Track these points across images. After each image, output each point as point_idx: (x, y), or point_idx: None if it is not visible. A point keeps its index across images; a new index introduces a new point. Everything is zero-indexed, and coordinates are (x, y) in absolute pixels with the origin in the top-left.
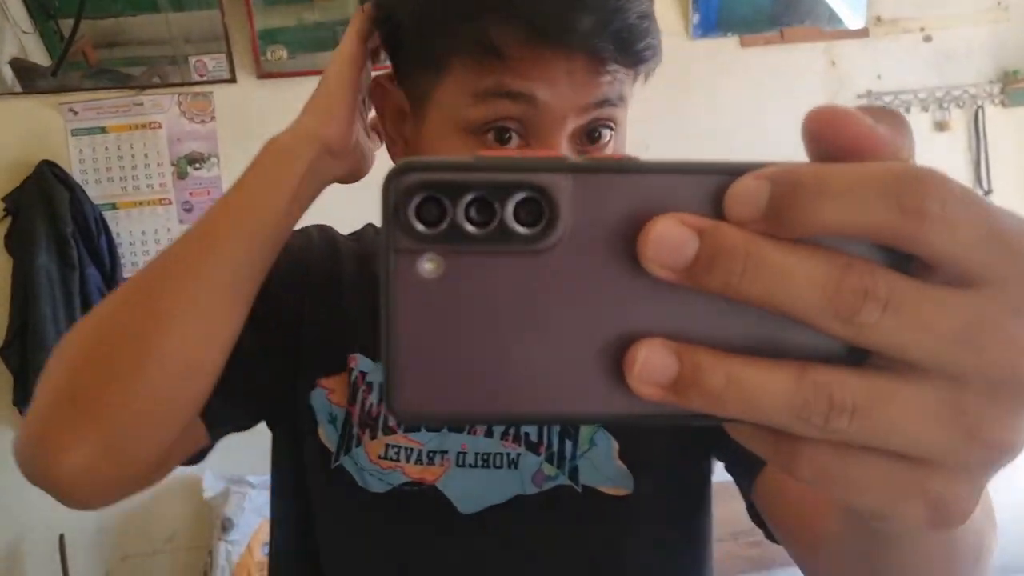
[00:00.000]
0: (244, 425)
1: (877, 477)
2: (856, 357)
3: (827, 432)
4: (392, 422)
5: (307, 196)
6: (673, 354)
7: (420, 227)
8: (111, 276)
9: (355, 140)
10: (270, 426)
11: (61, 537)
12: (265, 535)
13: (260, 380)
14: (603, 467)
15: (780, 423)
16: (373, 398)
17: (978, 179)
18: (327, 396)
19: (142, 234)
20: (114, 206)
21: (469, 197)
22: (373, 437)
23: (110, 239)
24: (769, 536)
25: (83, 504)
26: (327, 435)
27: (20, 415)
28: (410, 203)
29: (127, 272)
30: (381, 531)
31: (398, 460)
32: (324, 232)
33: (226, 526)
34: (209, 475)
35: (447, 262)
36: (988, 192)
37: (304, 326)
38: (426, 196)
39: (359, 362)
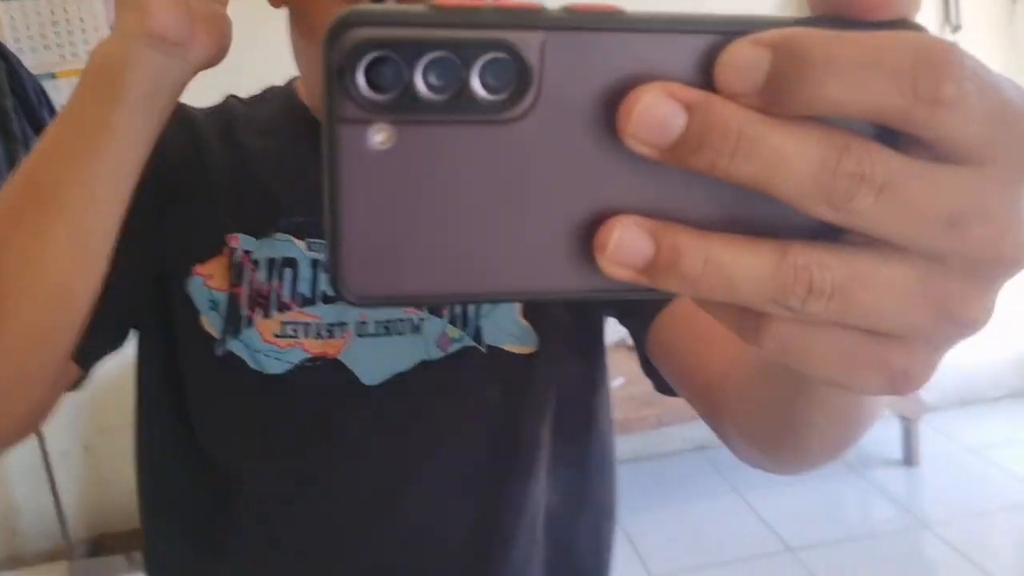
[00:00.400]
0: (119, 346)
1: (841, 351)
2: (836, 232)
3: (802, 314)
4: (286, 298)
5: (158, 108)
6: (649, 235)
7: (369, 93)
8: None
9: (194, 11)
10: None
11: None
12: None
13: (130, 302)
14: (507, 326)
15: (755, 305)
16: (262, 276)
17: (947, 16)
18: (204, 282)
19: None
20: (53, 75)
21: (427, 58)
22: (266, 316)
23: (52, 110)
24: (661, 388)
25: None
26: (210, 322)
27: None
28: (357, 65)
29: None
30: (280, 413)
31: (296, 336)
32: (177, 113)
33: None
34: None
35: (400, 132)
36: (957, 28)
37: (168, 219)
38: (376, 57)
39: (240, 241)
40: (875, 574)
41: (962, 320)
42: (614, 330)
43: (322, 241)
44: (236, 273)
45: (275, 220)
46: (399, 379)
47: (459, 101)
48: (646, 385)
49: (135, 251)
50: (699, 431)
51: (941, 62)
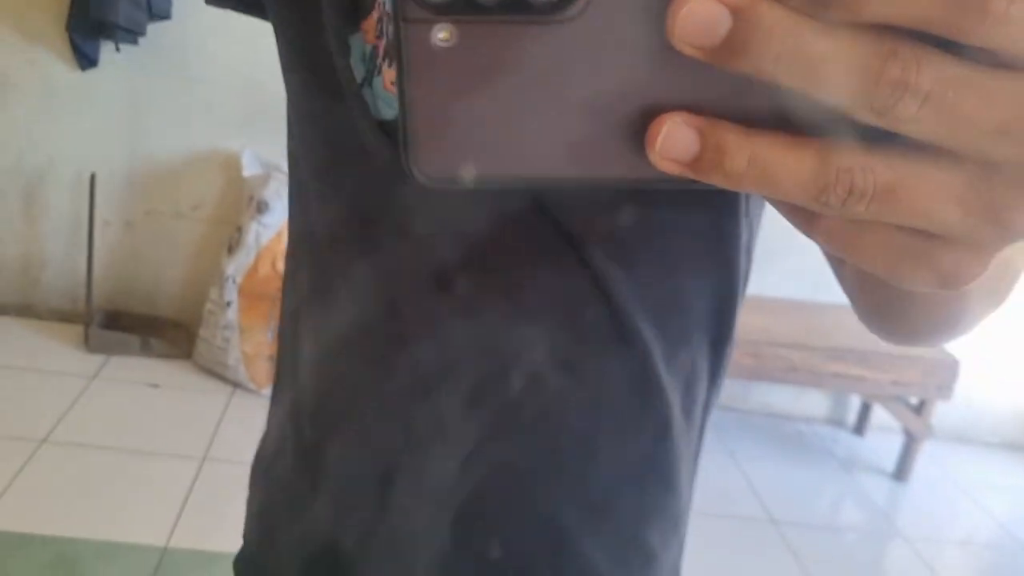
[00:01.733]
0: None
1: (891, 248)
2: (886, 136)
3: (844, 213)
4: None
5: None
6: (696, 132)
7: None
8: None
9: None
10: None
11: (92, 176)
12: None
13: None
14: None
15: (798, 202)
16: (390, 29)
17: None
18: (364, 37)
19: None
20: None
21: None
22: (389, 67)
23: None
24: None
25: None
26: (359, 70)
27: (71, 42)
28: None
29: None
30: (393, 181)
31: None
32: None
33: (261, 208)
34: (248, 154)
35: (461, 31)
36: None
37: None
38: None
39: None
40: (849, 566)
41: (1010, 224)
42: None
43: None
44: (380, 29)
45: None
46: None
47: (515, 3)
48: None
49: None
50: None
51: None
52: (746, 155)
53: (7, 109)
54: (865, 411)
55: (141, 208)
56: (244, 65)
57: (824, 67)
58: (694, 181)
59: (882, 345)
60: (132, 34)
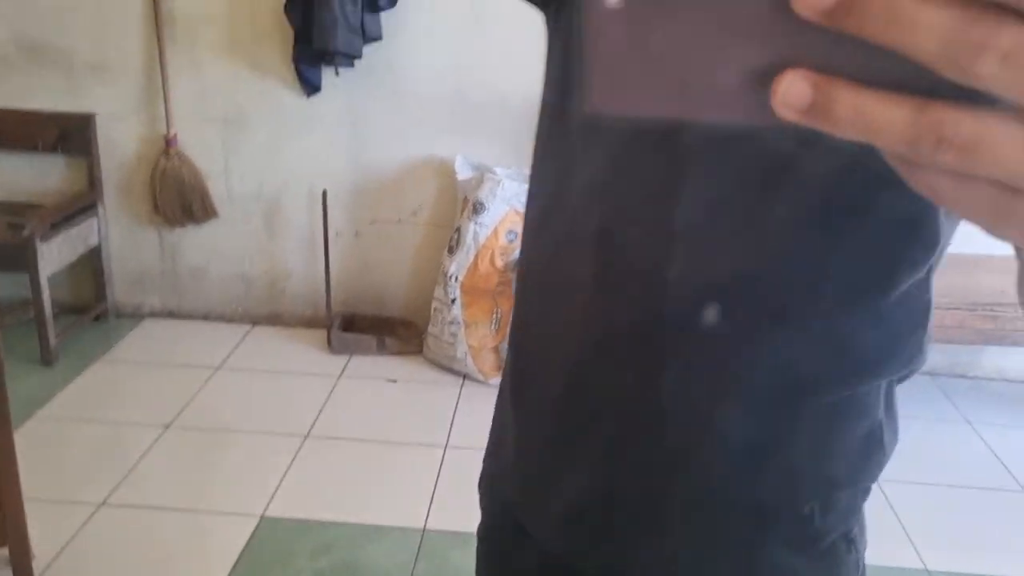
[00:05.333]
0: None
1: (982, 200)
2: (977, 96)
3: (934, 162)
4: None
5: None
6: (811, 85)
7: None
8: None
9: None
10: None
11: (324, 192)
12: (511, 223)
13: None
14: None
15: (897, 149)
16: None
17: None
18: None
19: None
20: None
21: None
22: None
23: None
24: None
25: None
26: None
27: (297, 72)
28: None
29: None
30: (596, 154)
31: None
32: None
33: (477, 208)
34: (460, 159)
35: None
36: None
37: None
38: None
39: None
40: None
41: None
42: None
43: None
44: None
45: None
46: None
47: None
48: None
49: None
50: (932, 356)
51: None
52: (851, 104)
53: (247, 140)
54: None
55: (367, 217)
56: (450, 77)
57: (916, 28)
58: (808, 129)
59: None
60: (349, 58)
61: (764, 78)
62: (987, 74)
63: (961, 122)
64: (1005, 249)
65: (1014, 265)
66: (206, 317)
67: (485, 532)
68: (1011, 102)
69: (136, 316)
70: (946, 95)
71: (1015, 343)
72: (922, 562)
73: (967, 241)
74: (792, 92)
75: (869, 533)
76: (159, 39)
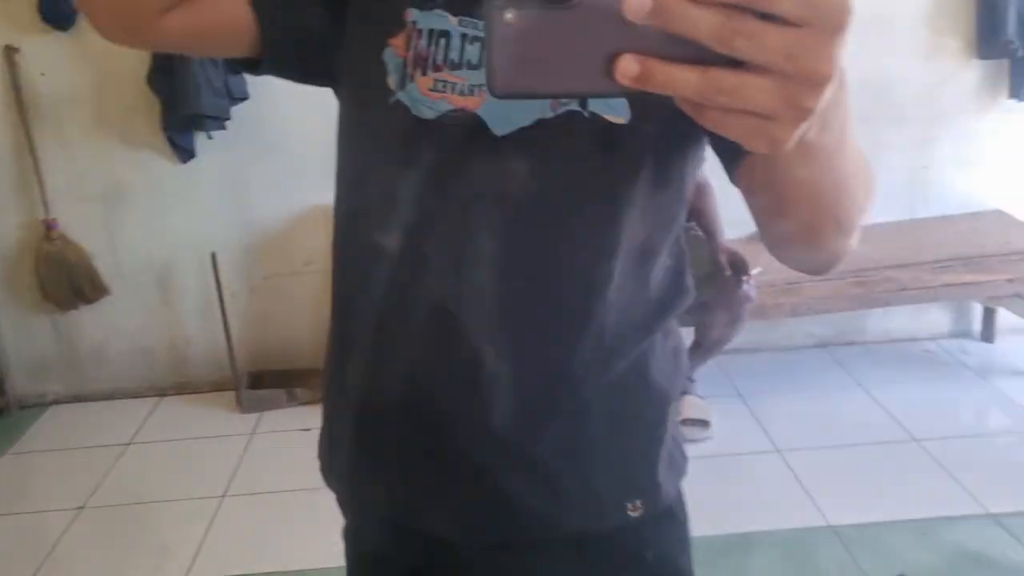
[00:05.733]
0: (289, 69)
1: (741, 125)
2: (736, 62)
3: (713, 103)
4: (439, 61)
5: None
6: (638, 63)
7: None
8: None
9: None
10: (337, 91)
11: (213, 255)
12: None
13: (316, 23)
14: (608, 100)
15: (689, 98)
16: (423, 42)
17: None
18: (396, 52)
19: None
20: None
21: None
22: (424, 74)
23: None
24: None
25: (119, 41)
26: (393, 81)
27: (169, 141)
28: None
29: None
30: (426, 149)
31: (445, 92)
32: None
33: None
34: None
35: (518, 13)
36: None
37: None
38: None
39: (412, 14)
40: (1003, 469)
41: (802, 109)
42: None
43: (471, 18)
44: (407, 41)
45: None
46: (521, 131)
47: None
48: (786, 275)
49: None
50: (824, 328)
51: None
52: (662, 72)
53: (129, 213)
54: (990, 316)
55: (260, 274)
56: (320, 127)
57: (698, 23)
58: (641, 92)
59: (989, 247)
60: (219, 120)
61: (611, 62)
62: (739, 48)
63: (727, 77)
64: (866, 222)
65: (873, 233)
66: (112, 396)
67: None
68: (756, 63)
69: (40, 405)
70: (719, 62)
71: (887, 304)
72: (825, 519)
73: None
74: (628, 68)
75: (774, 502)
76: (25, 125)
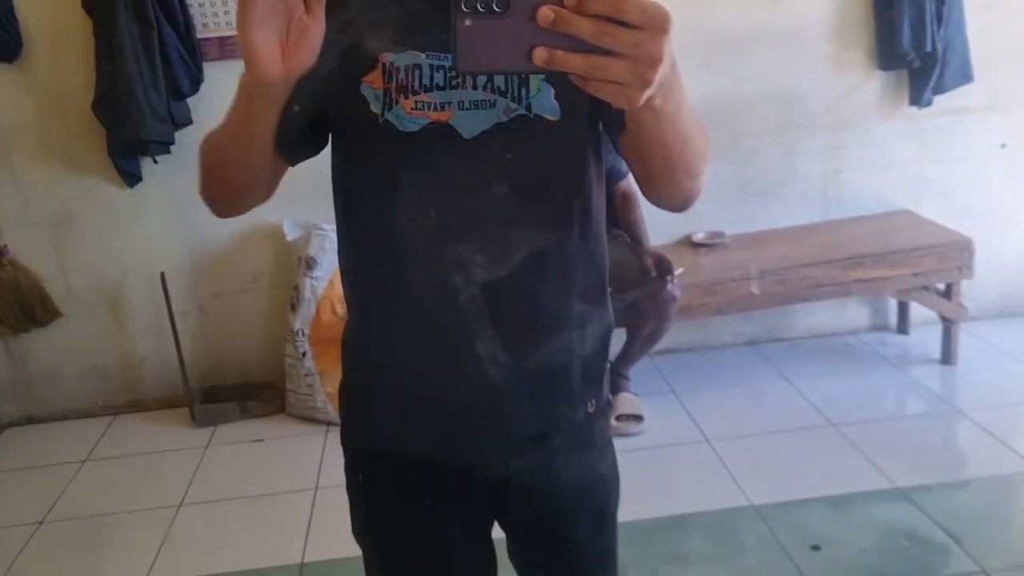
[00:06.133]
0: (316, 143)
1: (610, 89)
2: (605, 51)
3: (593, 76)
4: (416, 87)
5: (277, 105)
6: (546, 51)
7: (466, 9)
8: (186, 35)
9: (291, 37)
10: (334, 136)
11: (162, 275)
12: None
13: (316, 105)
14: (546, 103)
15: (580, 73)
16: (403, 75)
17: None
18: (371, 86)
19: None
20: None
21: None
22: (406, 98)
23: (183, 1)
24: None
25: (225, 216)
26: (374, 106)
27: (115, 166)
28: (461, 4)
29: (199, 32)
30: (412, 155)
31: (423, 110)
32: None
33: (310, 264)
34: (288, 222)
35: (473, 19)
36: None
37: (342, 47)
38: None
39: (388, 58)
40: (913, 448)
41: (646, 79)
42: (678, 226)
43: (435, 52)
44: (388, 76)
45: (405, 41)
46: (483, 133)
47: (490, 10)
48: (709, 276)
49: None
50: (751, 327)
51: (611, 6)
52: (562, 58)
53: (79, 238)
54: (904, 310)
55: (209, 292)
56: None
57: (581, 27)
58: (553, 71)
59: (896, 243)
60: (163, 144)
61: (531, 51)
62: (606, 42)
63: (600, 60)
64: (783, 224)
65: (791, 234)
66: (67, 416)
67: (356, 468)
68: (617, 51)
69: None
70: (595, 51)
71: (804, 299)
72: (748, 500)
73: (752, 221)
74: (540, 55)
75: (702, 490)
76: None
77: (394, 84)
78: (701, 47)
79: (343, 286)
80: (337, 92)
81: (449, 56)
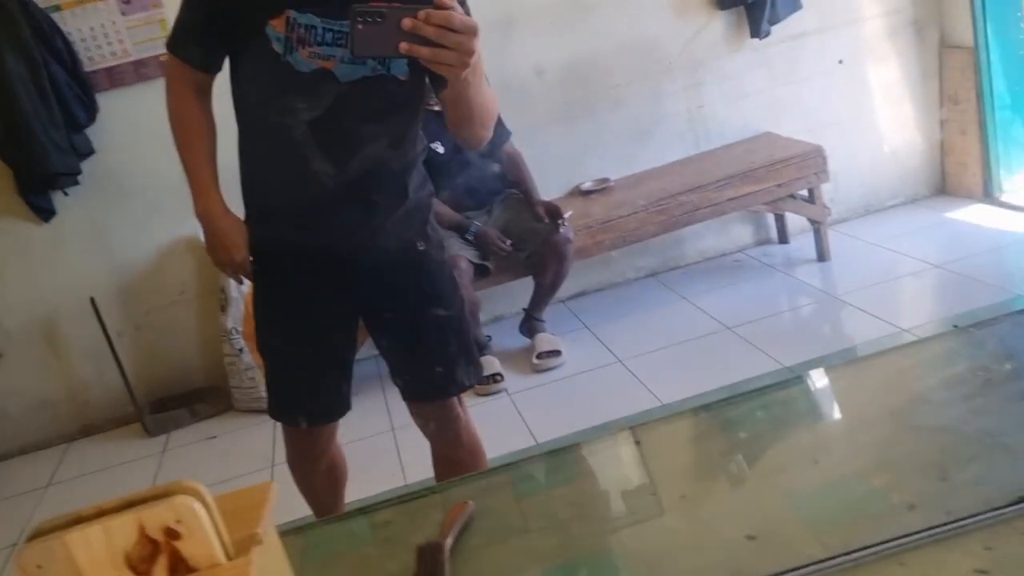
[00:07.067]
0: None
1: (444, 67)
2: (443, 45)
3: (436, 59)
4: (311, 42)
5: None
6: (407, 45)
7: (359, 19)
8: (74, 70)
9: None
10: (236, 58)
11: (92, 300)
12: None
13: (228, 30)
14: (400, 66)
15: (428, 58)
16: (302, 31)
17: None
18: (275, 28)
19: (91, 30)
20: (58, 7)
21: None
22: (303, 48)
23: (64, 39)
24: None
25: None
26: (276, 47)
27: (27, 203)
28: (357, 8)
29: (87, 66)
30: (301, 89)
31: (314, 59)
32: None
33: None
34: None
35: (363, 20)
36: None
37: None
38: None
39: (292, 14)
40: (798, 335)
41: (464, 62)
42: (567, 180)
43: (328, 19)
44: (290, 27)
45: (308, 4)
46: (356, 81)
47: (374, 20)
48: (599, 217)
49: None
50: (648, 260)
51: (445, 20)
52: (417, 49)
53: (1, 278)
54: (781, 222)
55: (141, 310)
56: (166, 164)
57: (428, 31)
58: (417, 54)
59: (758, 161)
60: (71, 176)
61: (399, 43)
62: (442, 41)
63: (438, 50)
64: (660, 162)
65: (666, 170)
66: (22, 451)
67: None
68: (448, 46)
69: None
70: (437, 45)
71: (686, 224)
72: (659, 401)
73: (633, 164)
74: (403, 47)
75: (619, 401)
76: None
77: (295, 36)
78: (560, 12)
79: (240, 166)
80: (247, 25)
81: (336, 21)
